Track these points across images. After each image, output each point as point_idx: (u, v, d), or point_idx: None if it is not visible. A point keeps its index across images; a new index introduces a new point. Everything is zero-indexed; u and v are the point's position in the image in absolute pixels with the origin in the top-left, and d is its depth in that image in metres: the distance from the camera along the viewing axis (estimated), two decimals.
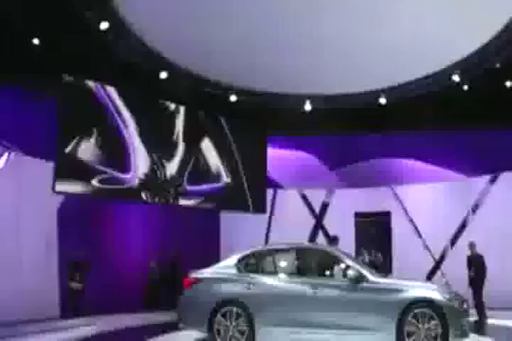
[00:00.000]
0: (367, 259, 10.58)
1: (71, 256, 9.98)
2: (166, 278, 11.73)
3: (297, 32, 9.69)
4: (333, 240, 8.88)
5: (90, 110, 10.32)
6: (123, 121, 10.89)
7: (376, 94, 11.73)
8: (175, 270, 11.79)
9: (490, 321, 8.88)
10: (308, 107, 12.14)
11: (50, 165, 9.67)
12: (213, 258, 11.37)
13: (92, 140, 10.21)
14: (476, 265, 9.19)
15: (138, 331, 8.41)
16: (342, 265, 6.46)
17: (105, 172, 10.34)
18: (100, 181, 10.24)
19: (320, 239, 12.55)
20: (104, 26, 9.21)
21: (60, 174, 9.61)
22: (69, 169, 9.77)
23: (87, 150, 10.10)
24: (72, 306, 9.86)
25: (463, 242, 11.31)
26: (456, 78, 10.65)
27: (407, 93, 11.48)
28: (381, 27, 9.46)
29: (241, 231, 12.41)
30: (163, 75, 10.88)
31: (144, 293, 11.65)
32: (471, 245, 9.39)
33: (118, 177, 10.59)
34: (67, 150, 9.84)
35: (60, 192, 9.76)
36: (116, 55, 10.02)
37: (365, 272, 6.39)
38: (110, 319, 9.35)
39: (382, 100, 11.72)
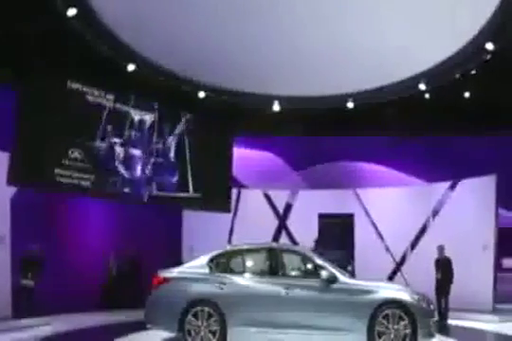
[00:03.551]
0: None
1: (24, 253, 9.48)
2: (125, 278, 11.40)
3: (268, 34, 9.66)
4: (318, 242, 8.77)
5: (51, 101, 9.86)
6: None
7: (344, 98, 11.86)
8: (135, 269, 11.50)
9: (451, 322, 9.19)
10: (276, 108, 12.13)
11: (5, 155, 9.13)
12: (175, 257, 11.20)
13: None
14: (444, 268, 9.50)
15: (102, 330, 8.11)
16: (314, 266, 6.46)
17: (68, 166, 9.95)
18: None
19: (284, 239, 12.54)
20: (72, 12, 8.82)
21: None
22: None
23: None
24: (24, 305, 9.37)
25: (423, 245, 11.67)
26: (422, 86, 10.92)
27: (374, 98, 11.67)
28: (353, 34, 9.57)
29: (203, 231, 12.19)
30: (131, 67, 10.57)
31: (103, 292, 11.25)
32: (440, 248, 9.71)
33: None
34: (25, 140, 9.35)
35: (14, 184, 9.24)
36: (82, 44, 9.62)
37: (337, 272, 6.41)
38: (67, 319, 8.93)
39: (350, 104, 11.87)
